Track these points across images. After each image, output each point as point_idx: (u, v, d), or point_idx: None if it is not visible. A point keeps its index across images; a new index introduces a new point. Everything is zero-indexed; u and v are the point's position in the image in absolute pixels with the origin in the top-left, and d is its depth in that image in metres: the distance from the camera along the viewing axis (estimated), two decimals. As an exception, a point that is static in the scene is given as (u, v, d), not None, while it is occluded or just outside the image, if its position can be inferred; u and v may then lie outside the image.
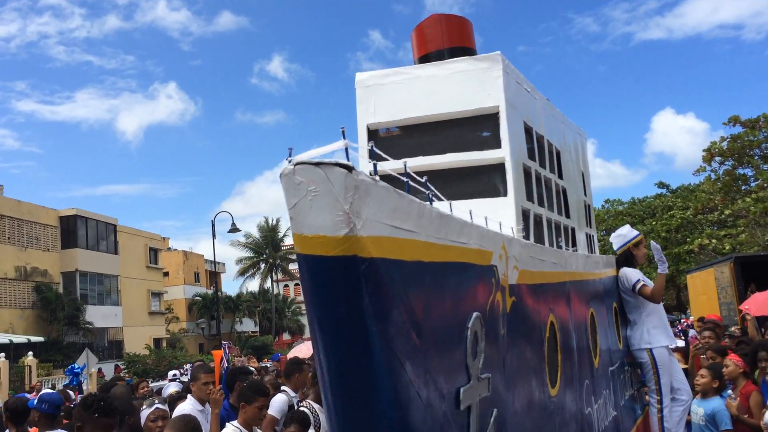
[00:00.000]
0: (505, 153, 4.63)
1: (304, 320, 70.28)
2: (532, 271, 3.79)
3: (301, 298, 72.47)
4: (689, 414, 6.91)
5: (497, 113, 4.71)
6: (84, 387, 17.86)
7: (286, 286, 73.00)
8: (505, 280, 3.24)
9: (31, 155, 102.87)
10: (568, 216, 6.33)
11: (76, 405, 4.78)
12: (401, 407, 2.01)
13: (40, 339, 32.87)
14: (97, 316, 38.59)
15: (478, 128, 4.93)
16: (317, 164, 1.77)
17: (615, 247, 7.17)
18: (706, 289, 20.79)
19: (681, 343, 9.48)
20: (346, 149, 2.00)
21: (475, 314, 2.64)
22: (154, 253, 49.08)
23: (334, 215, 1.77)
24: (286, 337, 64.37)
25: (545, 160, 5.67)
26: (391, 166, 2.74)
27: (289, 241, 66.80)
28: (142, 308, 46.27)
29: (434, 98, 4.88)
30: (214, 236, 33.11)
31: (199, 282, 58.99)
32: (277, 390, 6.15)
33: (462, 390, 2.48)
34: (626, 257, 7.08)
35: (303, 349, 17.98)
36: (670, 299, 41.01)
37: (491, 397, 2.82)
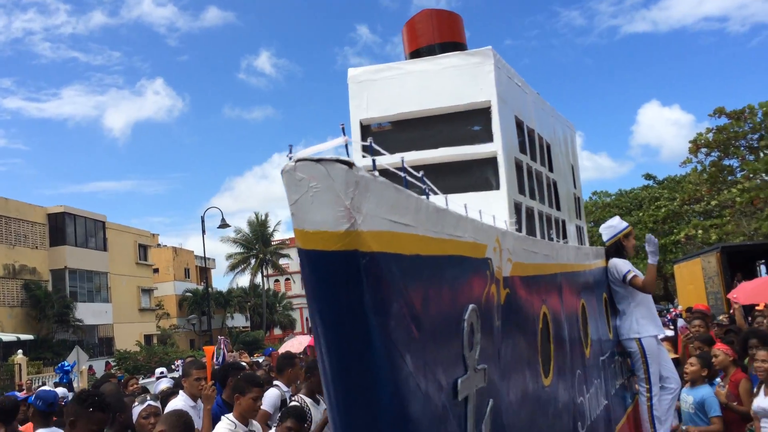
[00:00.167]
0: (498, 147, 4.68)
1: (296, 315, 70.39)
2: (525, 264, 3.84)
3: (291, 292, 72.78)
4: (678, 402, 7.02)
5: (489, 108, 4.75)
6: (74, 385, 17.80)
7: (276, 281, 72.93)
8: (500, 273, 3.29)
9: (18, 153, 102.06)
10: (558, 208, 6.39)
11: (69, 400, 4.80)
12: (402, 399, 2.05)
13: (30, 337, 32.66)
14: (87, 313, 38.41)
15: (470, 123, 4.97)
16: (318, 160, 1.80)
17: (605, 238, 7.24)
18: (693, 279, 20.99)
19: (670, 333, 9.59)
20: (346, 145, 2.04)
21: (471, 306, 2.69)
22: (143, 249, 48.88)
23: (335, 211, 1.81)
24: (277, 332, 64.30)
25: (536, 153, 5.72)
26: (386, 161, 2.77)
27: (278, 236, 66.71)
28: (132, 305, 46.09)
29: (426, 93, 4.91)
30: (203, 232, 33.12)
31: (189, 278, 58.81)
32: (270, 385, 6.17)
33: (459, 381, 2.53)
34: (616, 248, 7.15)
35: (294, 344, 18.02)
36: (657, 289, 41.31)
37: (487, 387, 2.87)
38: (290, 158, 1.84)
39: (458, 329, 2.59)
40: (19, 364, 27.64)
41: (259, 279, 63.33)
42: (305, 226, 1.83)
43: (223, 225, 31.91)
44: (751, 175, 19.05)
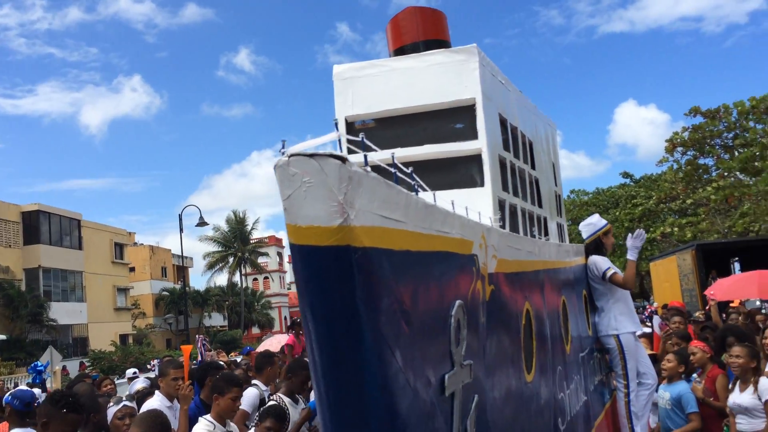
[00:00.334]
0: (482, 144, 4.70)
1: (274, 314, 70.09)
2: (509, 260, 3.86)
3: (270, 291, 72.44)
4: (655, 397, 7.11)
5: (474, 105, 4.77)
6: (48, 385, 17.53)
7: (255, 279, 72.55)
8: (485, 269, 3.30)
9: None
10: (540, 206, 6.44)
11: (42, 401, 4.72)
12: (392, 394, 2.05)
13: (2, 337, 32.15)
14: (61, 312, 37.88)
15: (454, 120, 4.98)
16: (311, 155, 1.79)
17: (585, 235, 7.29)
18: (669, 277, 21.26)
19: (647, 330, 9.70)
20: (339, 140, 2.03)
21: (458, 302, 2.70)
22: (119, 248, 48.34)
23: (328, 206, 1.80)
24: (255, 331, 64.04)
25: (519, 151, 5.75)
26: (374, 157, 2.77)
27: (257, 234, 66.39)
28: (107, 304, 45.56)
29: (411, 90, 4.92)
30: (181, 230, 32.92)
31: (166, 277, 58.29)
32: (248, 384, 6.13)
33: (447, 377, 2.54)
34: (596, 245, 7.22)
35: (273, 343, 17.90)
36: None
37: (473, 383, 2.88)
38: (283, 153, 1.83)
39: (446, 325, 2.59)
40: (-8, 365, 27.21)
41: (237, 278, 62.97)
42: (298, 222, 1.82)
43: (202, 223, 31.68)
44: (726, 174, 19.37)
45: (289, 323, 15.94)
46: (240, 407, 5.28)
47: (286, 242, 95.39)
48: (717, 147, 20.81)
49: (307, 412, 5.75)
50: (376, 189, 1.99)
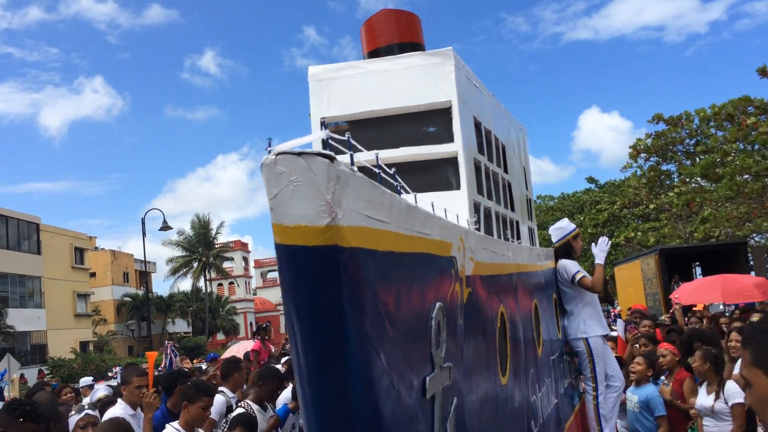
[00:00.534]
0: (458, 147, 4.70)
1: (239, 320, 69.35)
2: (485, 263, 3.86)
3: (235, 296, 71.66)
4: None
5: (449, 108, 4.77)
6: (5, 394, 17.05)
7: (220, 285, 71.73)
8: (463, 272, 3.29)
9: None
10: (513, 209, 6.47)
11: None
12: (377, 396, 2.03)
13: (-42, 345, 31.21)
14: (18, 319, 36.89)
15: (430, 123, 4.98)
16: (299, 154, 1.75)
17: (554, 239, 7.35)
18: (633, 281, 21.61)
19: (615, 333, 9.85)
20: (326, 140, 1.99)
21: (438, 304, 2.68)
22: (79, 252, 47.33)
23: (316, 205, 1.77)
24: (220, 337, 63.26)
25: (493, 154, 5.77)
26: (357, 157, 2.74)
27: (222, 239, 65.66)
28: (67, 310, 44.54)
29: (387, 92, 4.90)
30: (144, 234, 32.26)
31: (128, 282, 57.24)
32: (215, 391, 6.03)
33: (428, 379, 2.52)
34: (566, 249, 7.28)
35: (239, 349, 17.66)
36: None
37: (452, 386, 2.87)
38: (269, 152, 1.79)
39: (427, 327, 2.57)
40: (-54, 373, 26.33)
41: (201, 283, 62.17)
42: (284, 221, 1.78)
43: (165, 227, 31.22)
44: (688, 180, 19.80)
45: (254, 329, 15.78)
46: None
47: (251, 247, 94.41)
48: (679, 153, 21.29)
49: (275, 419, 5.69)
50: (362, 189, 1.97)
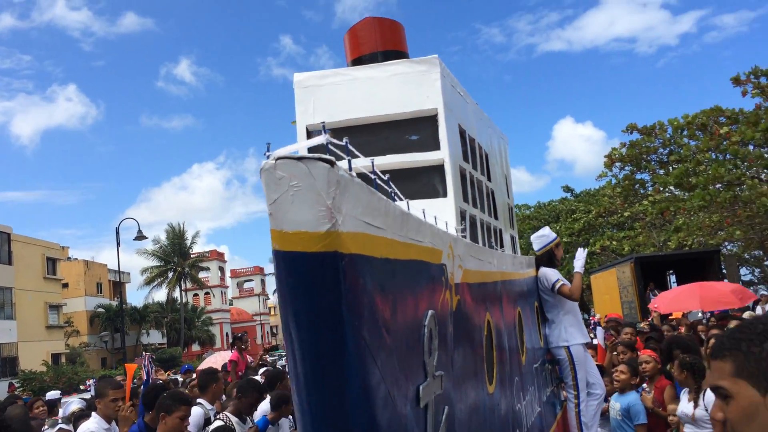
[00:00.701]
0: (445, 155, 4.70)
1: (215, 330, 68.63)
2: (472, 271, 3.86)
3: (211, 307, 70.95)
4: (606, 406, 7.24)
5: (436, 115, 4.77)
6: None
7: (195, 295, 70.98)
8: (452, 279, 3.28)
9: None
10: (496, 217, 6.49)
11: None
12: (374, 405, 2.01)
13: (-76, 358, 30.44)
14: (-12, 331, 36.15)
15: (416, 130, 4.98)
16: (299, 158, 1.73)
17: (536, 247, 7.38)
18: (609, 289, 21.82)
19: (596, 341, 9.92)
20: (327, 145, 1.97)
21: (430, 312, 2.67)
22: (52, 263, 46.52)
23: (316, 210, 1.74)
24: (195, 348, 62.54)
25: (477, 162, 5.79)
26: (345, 164, 2.72)
27: (198, 248, 65.06)
28: (38, 322, 43.69)
29: (373, 100, 4.89)
30: (118, 244, 31.72)
31: (101, 293, 56.38)
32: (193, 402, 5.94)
33: (421, 388, 2.50)
34: (549, 257, 7.32)
35: (218, 360, 17.52)
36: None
37: (443, 394, 2.85)
38: (268, 156, 1.76)
39: (420, 335, 2.56)
40: None
41: (177, 293, 61.48)
42: (284, 227, 1.75)
43: (140, 237, 30.85)
44: (661, 189, 20.09)
45: (231, 340, 15.60)
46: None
47: (228, 257, 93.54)
48: (653, 162, 21.61)
49: (254, 430, 5.63)
50: (361, 195, 1.95)
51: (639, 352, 7.41)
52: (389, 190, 2.70)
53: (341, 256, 1.80)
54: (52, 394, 12.87)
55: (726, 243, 23.21)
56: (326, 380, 1.88)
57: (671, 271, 21.47)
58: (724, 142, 18.24)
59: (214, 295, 72.34)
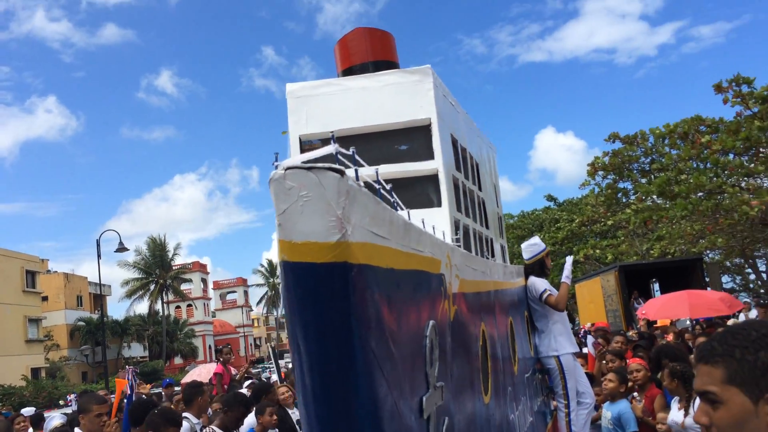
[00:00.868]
0: (439, 164, 4.70)
1: (198, 342, 67.96)
2: (468, 280, 3.85)
3: (193, 319, 70.29)
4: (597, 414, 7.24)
5: (429, 125, 4.77)
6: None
7: (177, 307, 70.30)
8: (450, 289, 3.27)
9: None
10: (487, 227, 6.50)
11: None
12: (381, 417, 1.98)
13: None
14: (-34, 346, 35.53)
15: (409, 140, 4.98)
16: (309, 168, 1.71)
17: (527, 256, 7.39)
18: (593, 297, 21.92)
19: (585, 350, 9.96)
20: (337, 154, 1.95)
21: (431, 322, 2.65)
22: (31, 276, 45.88)
23: (326, 221, 1.72)
24: (178, 361, 61.87)
25: (468, 172, 5.80)
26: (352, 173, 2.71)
27: (180, 260, 64.52)
28: (17, 336, 43.02)
29: (366, 109, 4.88)
30: (99, 256, 31.29)
31: (82, 306, 55.67)
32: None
33: (424, 399, 2.48)
34: (540, 266, 7.33)
35: (203, 372, 17.31)
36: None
37: (443, 405, 2.83)
38: (276, 166, 1.73)
39: (422, 346, 2.54)
40: None
41: (159, 306, 60.83)
42: (293, 237, 1.72)
43: (121, 249, 30.46)
44: (644, 197, 20.25)
45: (216, 352, 15.39)
46: None
47: (210, 268, 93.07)
48: (635, 171, 21.81)
49: None
50: (368, 204, 1.93)
51: (628, 361, 7.43)
52: (392, 200, 2.68)
53: (351, 267, 1.78)
54: (27, 411, 12.60)
55: (707, 251, 23.44)
56: (335, 392, 1.86)
57: (654, 280, 21.63)
58: (705, 151, 18.44)
59: (196, 308, 71.70)
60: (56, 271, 55.11)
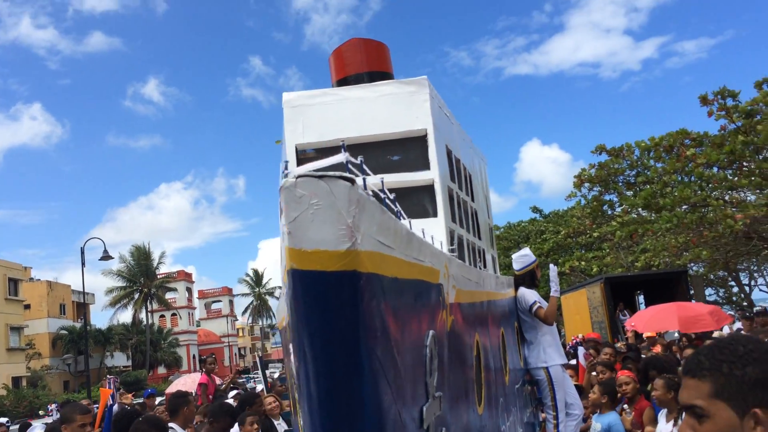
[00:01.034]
0: (434, 175, 4.72)
1: (182, 352, 67.34)
2: (464, 291, 3.86)
3: (178, 328, 69.68)
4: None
5: (425, 136, 4.79)
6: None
7: (162, 316, 69.67)
8: (447, 299, 3.28)
9: None
10: (479, 237, 6.52)
11: None
12: (386, 427, 1.98)
13: None
14: (-54, 354, 34.98)
15: (405, 150, 4.99)
16: (320, 177, 1.71)
17: (518, 267, 7.41)
18: (579, 309, 21.97)
19: (573, 361, 9.97)
20: (347, 163, 1.96)
21: (431, 332, 2.66)
22: (13, 283, 45.36)
23: (336, 229, 1.72)
24: (161, 370, 61.25)
25: (462, 182, 5.82)
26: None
27: (165, 269, 64.01)
28: (-2, 344, 42.47)
29: (363, 120, 4.90)
30: (83, 264, 31.04)
31: (65, 314, 55.05)
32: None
33: (424, 409, 2.48)
34: (531, 277, 7.35)
35: (188, 381, 17.16)
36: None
37: (441, 415, 2.83)
38: (286, 175, 1.74)
39: (423, 355, 2.54)
40: None
41: (143, 314, 60.27)
42: (303, 245, 1.73)
43: (106, 257, 30.22)
44: (629, 210, 20.39)
45: (201, 361, 15.26)
46: None
47: (195, 277, 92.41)
48: (620, 183, 21.96)
49: None
50: (375, 213, 1.94)
51: (617, 373, 7.46)
52: (395, 209, 2.69)
53: (359, 276, 1.79)
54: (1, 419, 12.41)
55: (691, 263, 23.60)
56: (341, 401, 1.85)
57: (639, 292, 21.75)
58: (690, 164, 18.60)
59: (180, 317, 71.11)
60: (39, 279, 54.52)
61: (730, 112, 17.57)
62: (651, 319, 10.83)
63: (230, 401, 8.21)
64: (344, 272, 1.75)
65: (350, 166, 2.24)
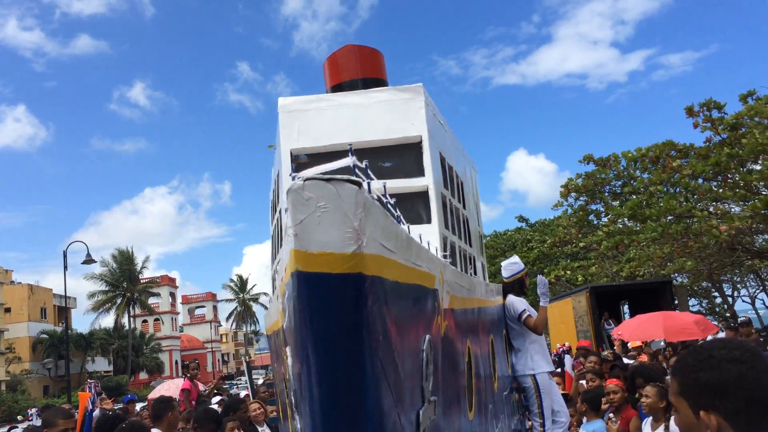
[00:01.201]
0: (429, 181, 4.74)
1: (164, 357, 66.77)
2: (457, 297, 3.88)
3: (160, 333, 69.10)
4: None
5: (420, 143, 4.81)
6: None
7: (144, 321, 69.09)
8: (442, 305, 3.29)
9: None
10: (470, 245, 6.54)
11: None
12: (386, 429, 1.99)
13: None
14: (-76, 357, 34.45)
15: (400, 156, 5.00)
16: (328, 180, 1.72)
17: (507, 275, 7.43)
18: (564, 318, 22.06)
19: (559, 369, 10.00)
20: (354, 167, 1.97)
21: (427, 337, 2.67)
22: (-6, 287, 44.83)
23: (343, 232, 1.74)
24: (143, 376, 60.69)
25: (454, 190, 5.85)
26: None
27: (148, 273, 63.52)
28: (-23, 348, 41.92)
29: (358, 125, 4.91)
30: (65, 268, 30.66)
31: (46, 318, 54.45)
32: None
33: (421, 413, 2.49)
34: (520, 285, 7.38)
35: (171, 387, 17.02)
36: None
37: (436, 420, 2.84)
38: (294, 178, 1.74)
39: (420, 359, 2.55)
40: None
41: (125, 319, 59.73)
42: (310, 248, 1.73)
43: (88, 261, 29.89)
44: (616, 219, 20.52)
45: (184, 366, 15.14)
46: None
47: (179, 282, 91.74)
48: (606, 193, 22.10)
49: None
50: (380, 217, 1.95)
51: (605, 382, 7.50)
52: (396, 214, 2.70)
53: (364, 278, 1.80)
54: None
55: (675, 274, 23.79)
56: (343, 403, 1.86)
57: (624, 301, 21.88)
58: (676, 175, 18.77)
59: (163, 322, 70.57)
60: (20, 283, 53.91)
61: (716, 124, 17.77)
62: (637, 328, 10.89)
63: (215, 407, 8.15)
64: (350, 274, 1.76)
65: (356, 170, 2.24)
